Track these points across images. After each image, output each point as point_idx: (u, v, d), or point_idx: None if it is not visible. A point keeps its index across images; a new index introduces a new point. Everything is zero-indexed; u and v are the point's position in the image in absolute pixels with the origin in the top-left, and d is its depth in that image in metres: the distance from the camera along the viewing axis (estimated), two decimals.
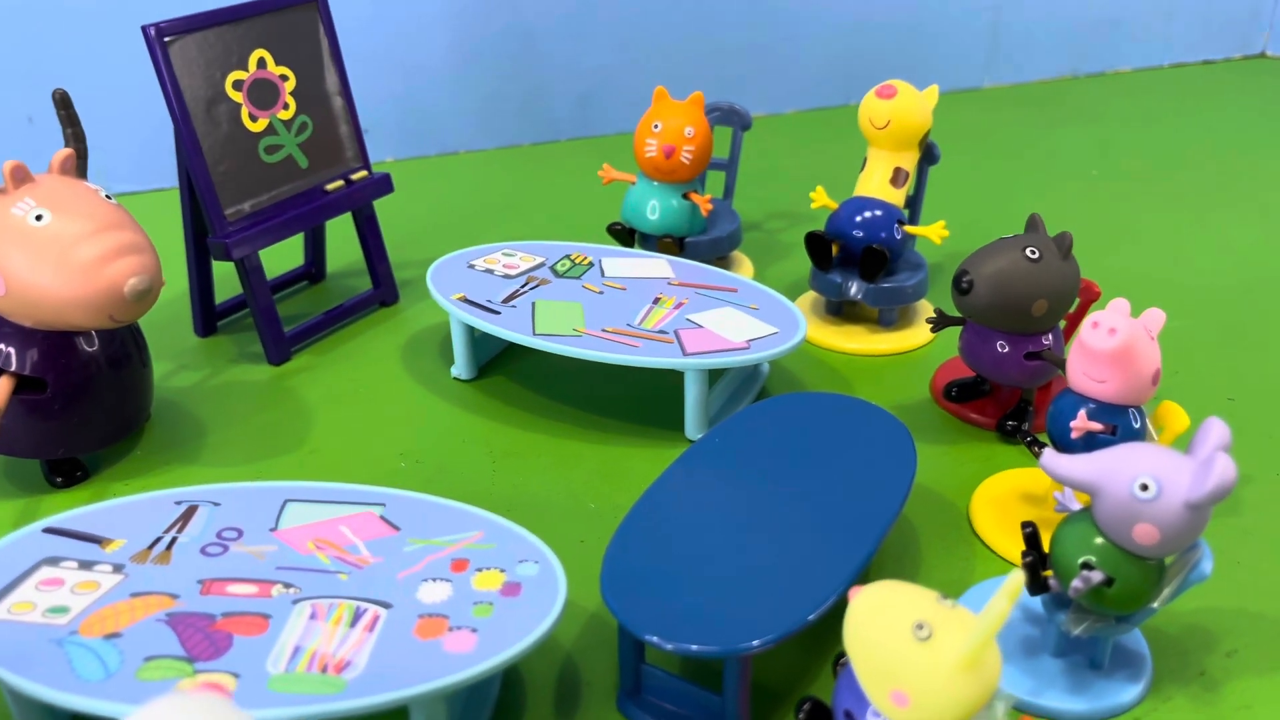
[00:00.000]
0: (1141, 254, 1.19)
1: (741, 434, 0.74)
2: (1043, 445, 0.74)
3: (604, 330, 0.87)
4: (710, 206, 1.07)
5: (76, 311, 0.75)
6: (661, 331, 0.87)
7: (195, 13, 0.90)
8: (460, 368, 0.96)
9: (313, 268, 1.14)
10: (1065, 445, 0.72)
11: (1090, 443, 0.70)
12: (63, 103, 0.82)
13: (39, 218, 0.74)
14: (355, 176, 1.04)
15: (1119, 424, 0.70)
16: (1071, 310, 0.89)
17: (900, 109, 0.97)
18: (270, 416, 0.92)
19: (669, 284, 0.95)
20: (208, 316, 1.04)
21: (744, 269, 1.15)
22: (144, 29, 0.87)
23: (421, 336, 1.04)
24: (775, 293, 0.93)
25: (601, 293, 0.94)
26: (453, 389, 0.95)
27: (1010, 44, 1.71)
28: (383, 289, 1.09)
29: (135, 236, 0.78)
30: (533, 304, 0.92)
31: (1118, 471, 0.58)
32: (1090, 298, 0.88)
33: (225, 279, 1.07)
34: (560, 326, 0.88)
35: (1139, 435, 0.71)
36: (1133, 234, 1.23)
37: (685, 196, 1.07)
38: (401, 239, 1.23)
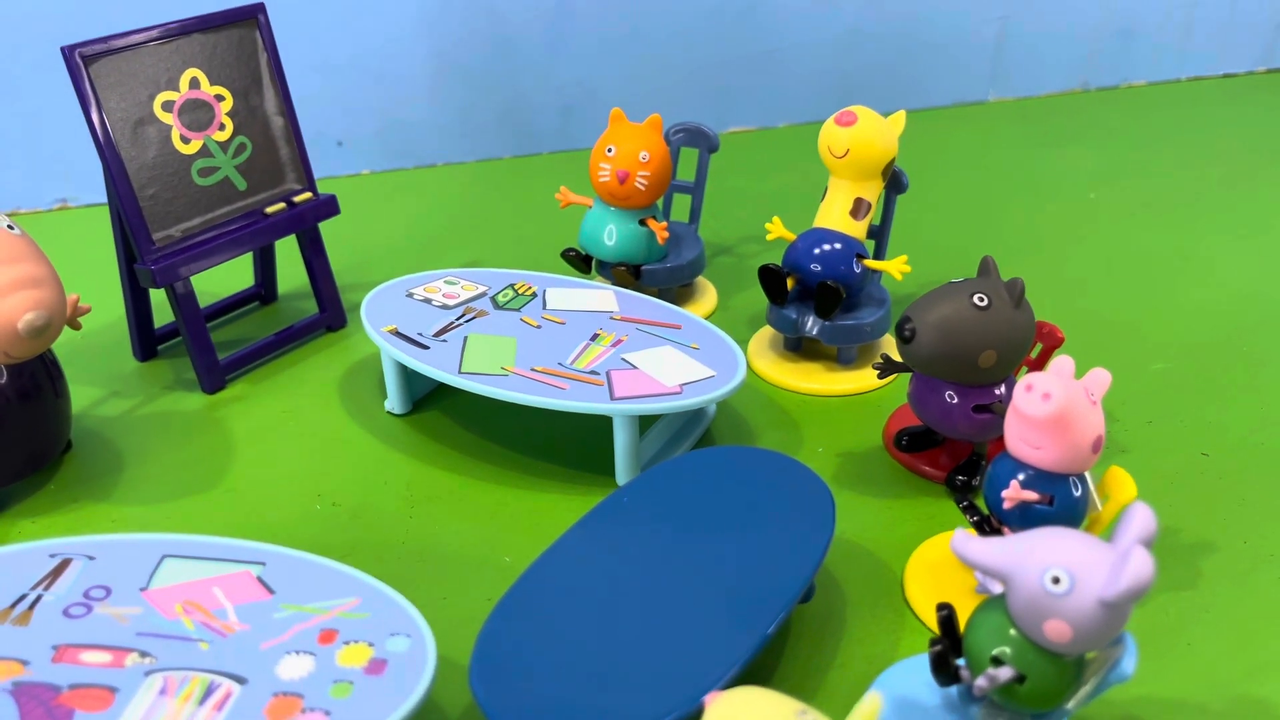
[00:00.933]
0: (1129, 286, 1.12)
1: (653, 492, 0.69)
2: (979, 514, 0.69)
3: (533, 369, 0.83)
4: (667, 234, 1.03)
5: None
6: (593, 372, 0.83)
7: (120, 32, 0.87)
8: (393, 402, 0.92)
9: (262, 289, 1.11)
10: (1000, 514, 0.66)
11: (1026, 512, 0.65)
12: None
13: None
14: (298, 199, 1.01)
15: (1056, 493, 0.65)
16: (1034, 356, 0.84)
17: (861, 137, 0.91)
18: (193, 450, 0.89)
19: (611, 319, 0.91)
20: (146, 340, 1.01)
21: (707, 297, 1.10)
22: (63, 50, 0.84)
23: (363, 365, 1.01)
24: (720, 331, 0.89)
25: (539, 327, 0.90)
26: (384, 424, 0.92)
27: (1017, 56, 1.64)
28: (329, 313, 1.06)
29: (34, 269, 0.75)
30: (465, 338, 0.88)
31: (1029, 561, 0.53)
32: (1053, 343, 0.83)
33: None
34: (488, 364, 0.84)
35: (1079, 505, 0.65)
36: (1123, 263, 1.16)
37: (642, 223, 1.03)
38: (363, 258, 1.20)
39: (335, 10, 1.36)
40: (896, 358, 0.87)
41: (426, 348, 0.86)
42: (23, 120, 1.31)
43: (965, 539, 0.55)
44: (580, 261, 1.06)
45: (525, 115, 1.49)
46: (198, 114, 0.93)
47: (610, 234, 1.03)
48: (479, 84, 1.45)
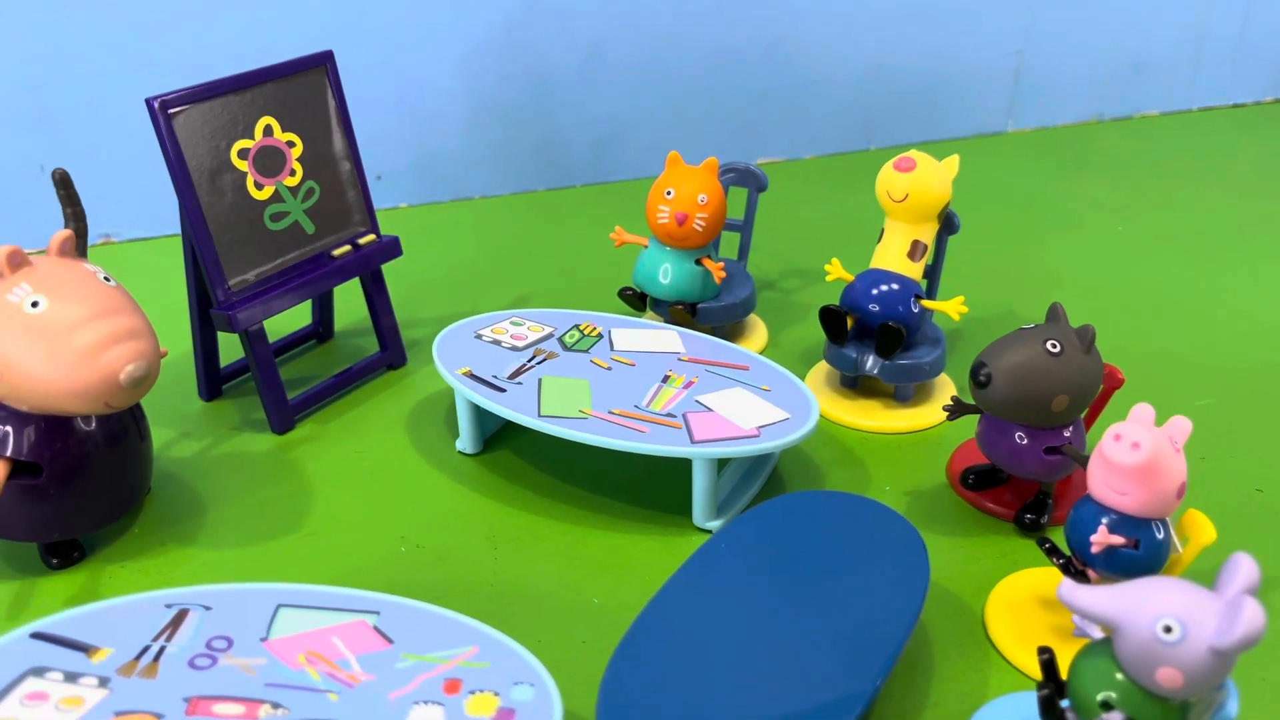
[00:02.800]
0: (1161, 320, 1.15)
1: (750, 538, 0.72)
2: (1062, 556, 0.71)
3: (610, 412, 0.85)
4: (724, 274, 1.05)
5: (72, 400, 0.74)
6: (669, 415, 0.85)
7: (201, 83, 0.89)
8: (465, 442, 0.94)
9: (320, 327, 1.13)
10: (1085, 556, 0.69)
11: (1112, 556, 0.68)
12: (62, 182, 0.81)
13: (35, 304, 0.73)
14: (363, 241, 1.03)
15: (1142, 537, 0.67)
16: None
17: (919, 183, 0.94)
18: (270, 492, 0.91)
19: (679, 360, 0.93)
20: (212, 380, 1.02)
21: (758, 334, 1.13)
22: (148, 102, 0.86)
23: (428, 403, 1.02)
24: (788, 372, 0.91)
25: (609, 369, 0.92)
26: (457, 464, 0.94)
27: (1033, 88, 1.68)
28: (390, 352, 1.07)
29: (133, 321, 0.76)
30: (539, 380, 0.90)
31: (1139, 610, 0.55)
32: (1114, 384, 0.86)
33: (232, 341, 1.05)
34: (566, 407, 0.86)
35: (1163, 548, 0.68)
36: (1152, 296, 1.20)
37: (698, 262, 1.05)
38: (412, 293, 1.22)
39: (373, 48, 1.38)
40: (955, 394, 0.90)
41: (503, 390, 0.88)
42: (66, 157, 1.32)
43: (1073, 588, 0.57)
44: (636, 300, 1.08)
45: (559, 149, 1.51)
46: (270, 160, 0.95)
47: (666, 273, 1.05)
48: (514, 118, 1.47)
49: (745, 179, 1.14)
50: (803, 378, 1.04)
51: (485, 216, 1.46)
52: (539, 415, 0.85)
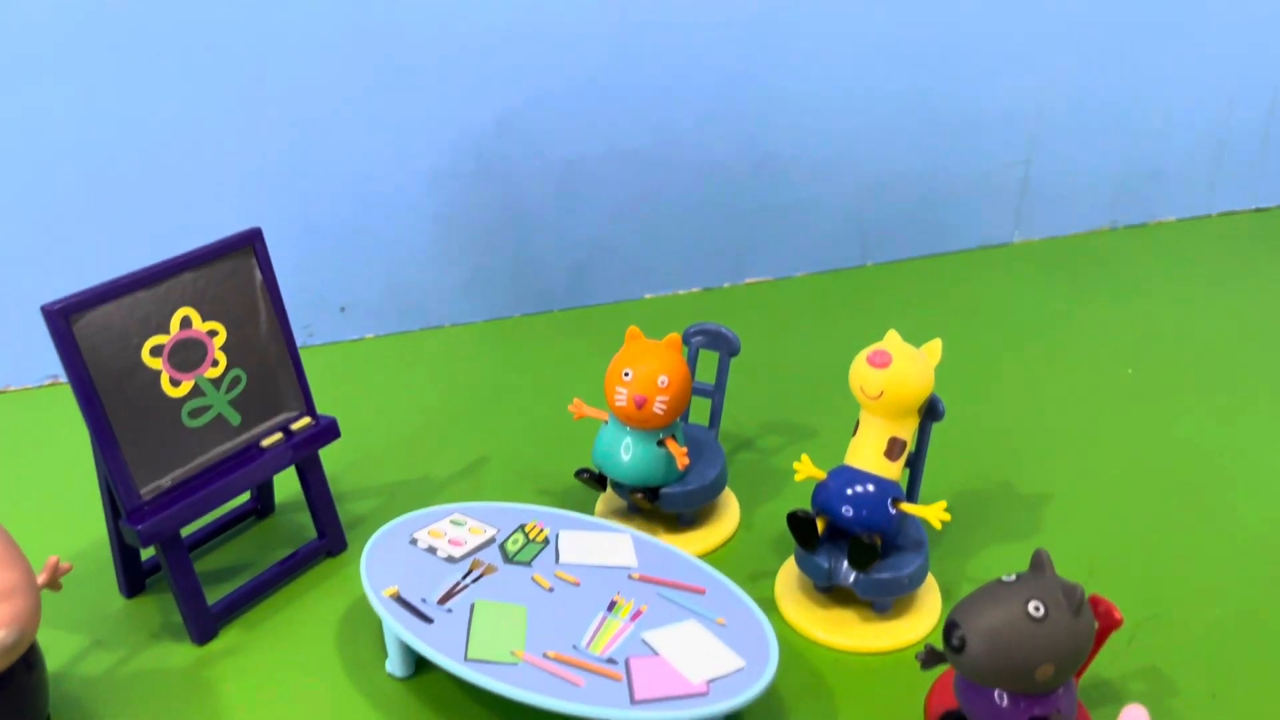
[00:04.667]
0: (1176, 492, 1.04)
1: None
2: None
3: (545, 655, 0.77)
4: (687, 460, 0.96)
5: None
6: (610, 661, 0.76)
7: (105, 282, 0.82)
8: (394, 664, 0.85)
9: (258, 504, 1.05)
10: None
11: None
12: None
13: None
14: (297, 426, 0.95)
15: None
16: None
17: (896, 378, 0.85)
18: None
19: (629, 578, 0.85)
20: (133, 576, 0.95)
21: (729, 512, 1.04)
22: (43, 309, 0.79)
23: (363, 601, 0.94)
24: (748, 600, 0.82)
25: (551, 590, 0.83)
26: (385, 689, 0.85)
27: (1042, 197, 1.58)
28: (328, 539, 0.99)
29: (5, 578, 0.69)
30: (472, 606, 0.81)
31: None
32: (1110, 624, 0.76)
33: None
34: (497, 647, 0.78)
35: None
36: (1170, 465, 1.09)
37: (661, 443, 0.97)
38: (364, 451, 1.14)
39: (334, 173, 1.31)
40: (929, 644, 0.81)
41: (430, 620, 0.80)
42: (13, 299, 1.26)
43: None
44: (595, 482, 1.00)
45: (536, 273, 1.43)
46: (189, 354, 0.87)
47: (626, 454, 0.97)
48: (487, 243, 1.40)
49: (716, 342, 1.05)
50: (774, 571, 0.96)
51: (455, 347, 1.39)
52: (465, 660, 0.76)
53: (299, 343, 1.38)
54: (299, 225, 1.32)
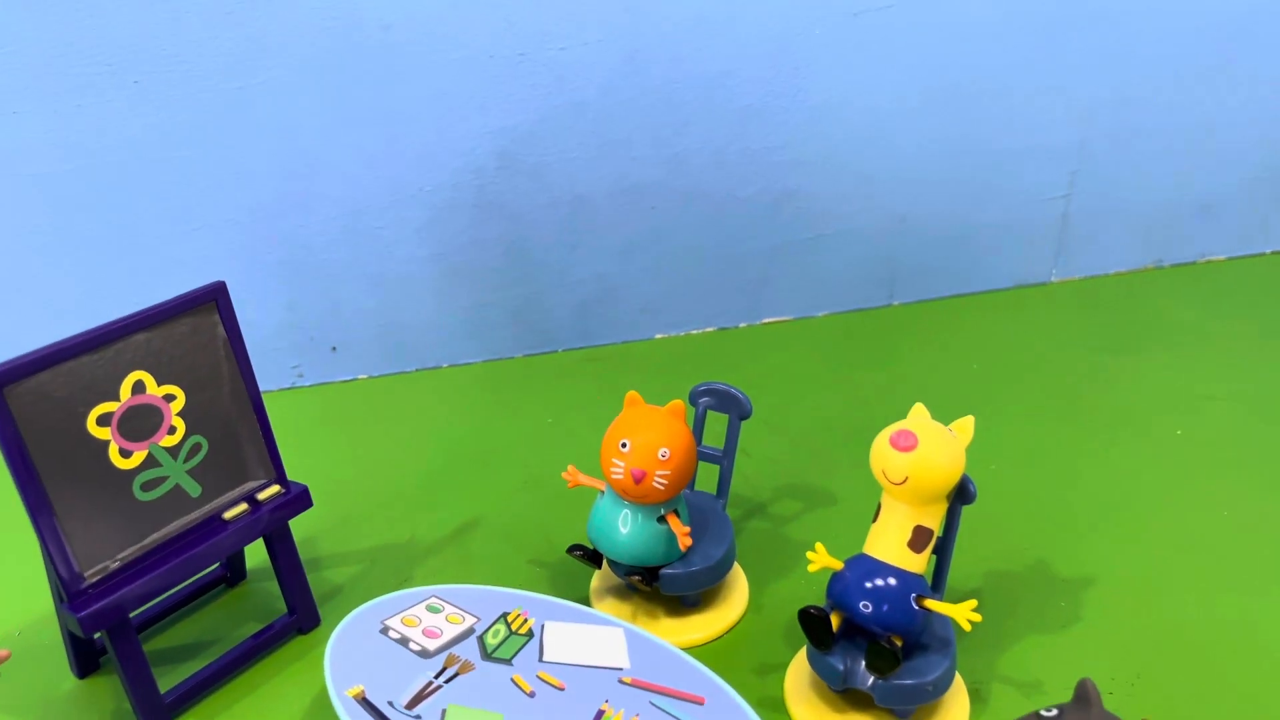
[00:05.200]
0: (1240, 585, 0.93)
1: None
2: None
3: None
4: (689, 541, 0.87)
5: None
6: None
7: (47, 345, 0.74)
8: None
9: (228, 572, 0.98)
10: None
11: None
12: None
13: None
14: (264, 495, 0.87)
15: None
16: None
17: (923, 464, 0.76)
18: None
19: (619, 681, 0.76)
20: (83, 656, 0.87)
21: (737, 592, 0.95)
22: None
23: None
24: (750, 711, 0.73)
25: (532, 694, 0.75)
26: None
27: (1083, 233, 1.48)
28: (299, 615, 0.92)
29: None
30: (443, 712, 0.73)
31: None
32: None
33: None
34: None
35: None
36: (1233, 544, 0.98)
37: (662, 519, 0.88)
38: (349, 508, 1.06)
39: (329, 210, 1.23)
40: None
41: None
42: None
43: None
44: (589, 559, 0.92)
45: (539, 311, 1.35)
46: (141, 421, 0.80)
47: (624, 529, 0.88)
48: (488, 280, 1.32)
49: (725, 404, 0.96)
50: (787, 664, 0.87)
51: (453, 389, 1.31)
52: None
53: (287, 384, 1.31)
54: (289, 261, 1.25)
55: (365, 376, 1.33)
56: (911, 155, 1.36)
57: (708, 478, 1.00)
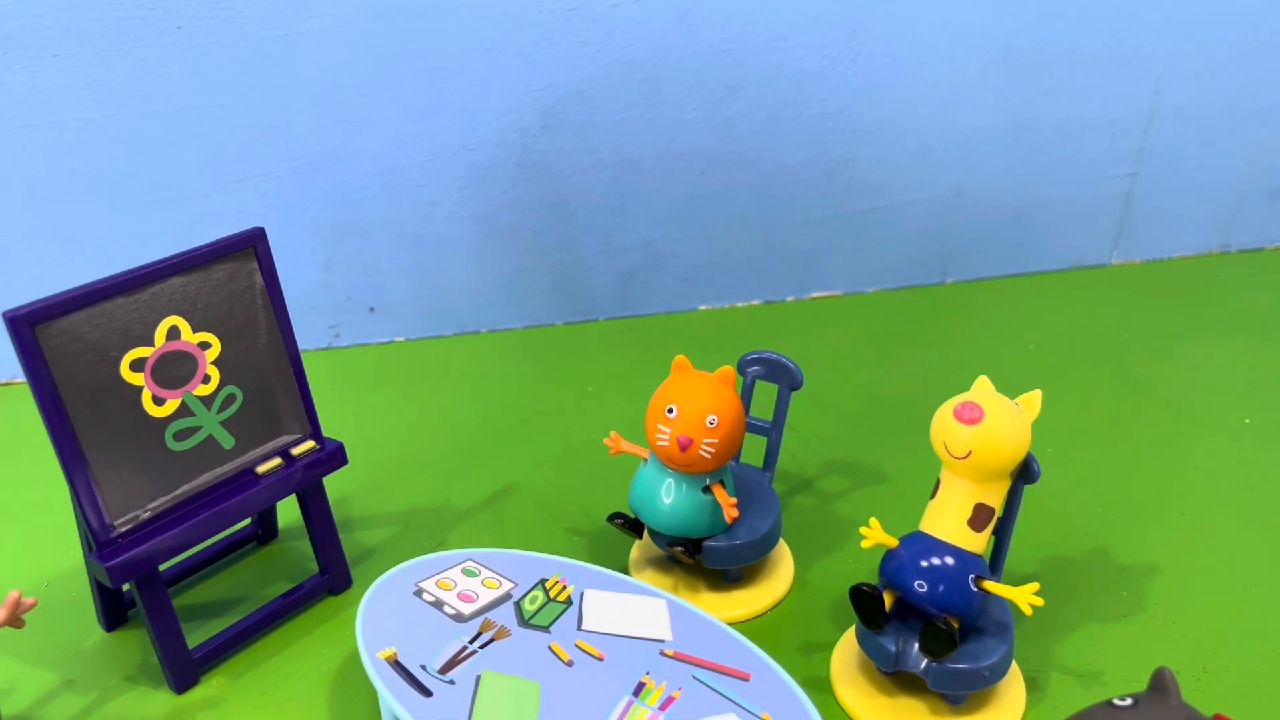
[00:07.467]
0: None
1: None
2: None
3: None
4: (736, 513, 0.84)
5: None
6: None
7: (78, 286, 0.72)
8: None
9: (259, 530, 0.95)
10: None
11: None
12: None
13: None
14: (298, 450, 0.85)
15: None
16: None
17: (988, 438, 0.72)
18: None
19: (661, 653, 0.73)
20: (112, 608, 0.86)
21: (782, 568, 0.91)
22: (6, 316, 0.69)
23: None
24: (798, 691, 0.70)
25: (571, 663, 0.72)
26: None
27: (1146, 214, 1.43)
28: (330, 575, 0.89)
29: None
30: (478, 679, 0.70)
31: None
32: None
33: None
34: None
35: None
36: None
37: (707, 490, 0.85)
38: (384, 467, 1.04)
39: (367, 167, 1.20)
40: None
41: (429, 693, 0.69)
42: None
43: None
44: (630, 528, 0.88)
45: (581, 278, 1.32)
46: (175, 369, 0.77)
47: (667, 499, 0.85)
48: (529, 244, 1.29)
49: (775, 373, 0.92)
50: (833, 643, 0.83)
51: (491, 355, 1.28)
52: None
53: (324, 344, 1.29)
54: (327, 219, 1.22)
55: (403, 339, 1.31)
56: (970, 125, 1.31)
57: (753, 450, 0.97)
